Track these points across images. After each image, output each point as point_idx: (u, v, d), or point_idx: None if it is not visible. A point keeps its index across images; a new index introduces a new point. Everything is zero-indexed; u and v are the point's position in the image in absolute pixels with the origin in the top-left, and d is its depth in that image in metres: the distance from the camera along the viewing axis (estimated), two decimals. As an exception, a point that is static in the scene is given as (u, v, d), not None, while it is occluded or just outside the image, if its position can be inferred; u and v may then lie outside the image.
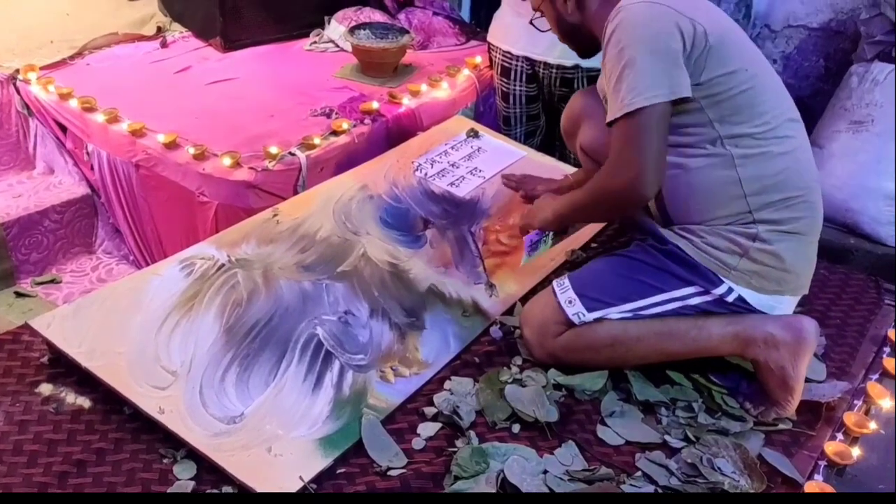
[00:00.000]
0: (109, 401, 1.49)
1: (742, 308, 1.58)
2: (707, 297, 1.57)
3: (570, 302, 1.60)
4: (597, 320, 1.59)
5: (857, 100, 2.68)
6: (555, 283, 1.66)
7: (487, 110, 2.96)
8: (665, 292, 1.58)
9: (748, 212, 1.55)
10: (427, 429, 1.50)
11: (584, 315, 1.59)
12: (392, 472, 1.40)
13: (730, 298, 1.56)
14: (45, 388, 1.52)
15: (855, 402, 1.60)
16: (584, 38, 1.79)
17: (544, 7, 1.78)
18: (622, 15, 1.54)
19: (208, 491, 1.33)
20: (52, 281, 2.58)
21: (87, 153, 2.56)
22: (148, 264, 2.40)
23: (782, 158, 1.55)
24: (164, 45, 3.09)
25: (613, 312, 1.59)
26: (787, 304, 1.62)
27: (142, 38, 3.12)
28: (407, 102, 2.70)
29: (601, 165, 1.75)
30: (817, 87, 3.08)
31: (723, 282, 1.56)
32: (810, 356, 1.57)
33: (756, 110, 1.55)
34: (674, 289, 1.58)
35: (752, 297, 1.57)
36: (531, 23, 1.84)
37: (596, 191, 1.62)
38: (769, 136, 1.55)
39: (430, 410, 1.54)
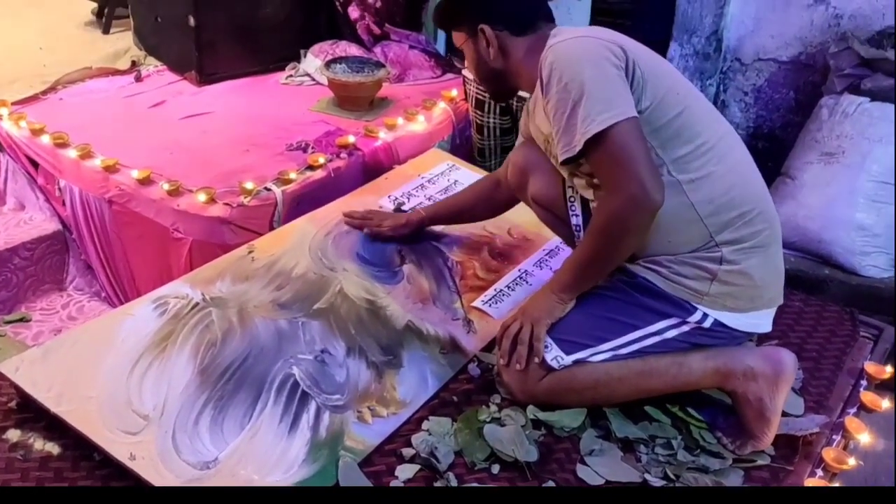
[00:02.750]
0: (79, 447, 1.45)
1: (722, 333, 1.57)
2: (684, 328, 1.56)
3: (546, 347, 1.57)
4: (576, 362, 1.56)
5: (827, 131, 2.71)
6: None
7: (464, 143, 2.97)
8: (640, 328, 1.56)
9: (708, 235, 1.53)
10: (405, 471, 1.47)
11: (562, 359, 1.56)
12: (369, 517, 1.37)
13: (707, 324, 1.55)
14: (13, 434, 1.48)
15: (833, 436, 1.60)
16: (501, 84, 1.78)
17: (465, 48, 1.77)
18: (555, 54, 1.53)
19: (180, 540, 1.30)
20: (22, 319, 2.53)
21: (59, 189, 2.53)
22: (120, 301, 2.37)
23: (728, 176, 1.54)
24: (138, 79, 3.08)
25: (592, 354, 1.57)
26: (765, 318, 1.62)
27: (116, 72, 3.12)
28: (383, 136, 2.70)
29: (555, 215, 1.80)
30: (788, 118, 3.12)
31: (696, 308, 1.55)
32: (788, 388, 1.57)
33: (693, 131, 1.53)
34: (649, 324, 1.56)
35: (730, 319, 1.56)
36: (450, 58, 1.87)
37: (602, 227, 1.53)
38: (710, 155, 1.54)
39: (408, 452, 1.52)
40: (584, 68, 1.48)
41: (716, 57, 3.15)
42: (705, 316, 1.55)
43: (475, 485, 1.44)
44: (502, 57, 1.71)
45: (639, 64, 1.52)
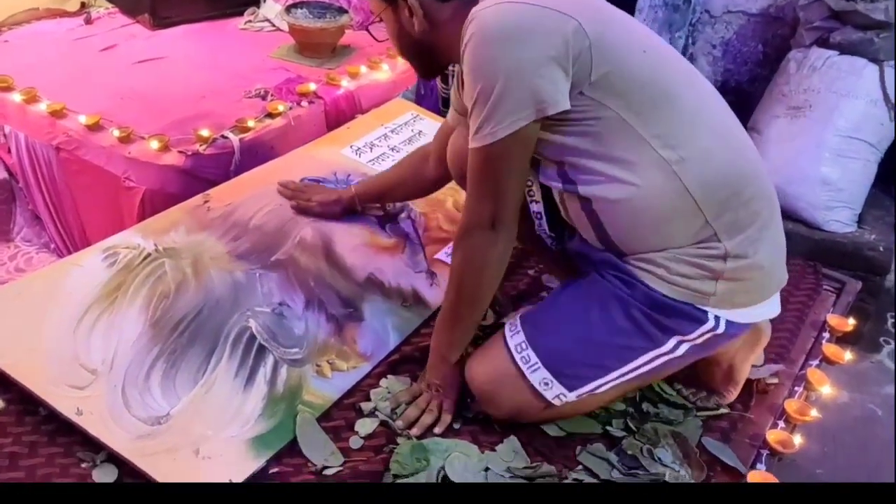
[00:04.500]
0: (24, 401, 1.39)
1: (735, 332, 1.40)
2: (698, 340, 1.37)
3: (546, 384, 1.38)
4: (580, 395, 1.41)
5: (794, 85, 2.69)
6: (518, 359, 1.40)
7: (428, 93, 2.90)
8: (650, 350, 1.38)
9: (704, 221, 1.31)
10: (365, 425, 1.44)
11: (565, 396, 1.39)
12: (328, 472, 1.34)
13: (721, 328, 1.36)
14: (-46, 390, 1.42)
15: (795, 388, 1.60)
16: (429, 59, 1.50)
17: (385, 17, 1.46)
18: (478, 25, 1.26)
19: (131, 497, 1.25)
20: (-33, 271, 2.43)
21: (4, 135, 2.41)
22: (70, 253, 2.27)
23: (720, 149, 1.33)
24: (88, 21, 2.94)
25: (598, 387, 1.40)
26: (775, 303, 1.45)
27: (64, 13, 2.97)
28: (346, 84, 2.62)
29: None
30: (756, 72, 3.10)
31: (706, 313, 1.34)
32: (760, 351, 1.56)
33: (671, 96, 1.31)
34: (660, 344, 1.37)
35: (741, 316, 1.38)
36: (366, 28, 1.55)
37: (456, 265, 1.41)
38: (697, 124, 1.32)
39: (367, 405, 1.49)
40: (503, 54, 1.24)
41: (685, 9, 3.10)
42: (717, 320, 1.35)
43: (438, 439, 1.41)
44: (429, 26, 1.41)
45: (584, 31, 1.25)
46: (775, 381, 1.61)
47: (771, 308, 1.44)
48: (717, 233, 1.32)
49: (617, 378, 1.39)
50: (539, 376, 1.38)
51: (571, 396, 1.39)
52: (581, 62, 1.25)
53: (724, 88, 3.17)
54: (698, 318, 1.35)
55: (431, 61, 1.52)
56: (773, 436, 1.44)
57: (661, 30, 3.09)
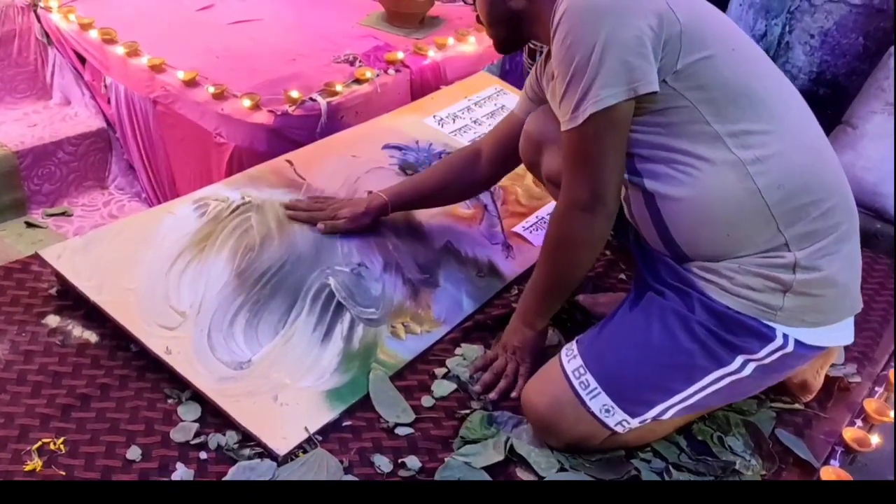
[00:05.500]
0: (116, 337, 1.47)
1: (804, 354, 1.31)
2: (765, 360, 1.28)
3: (607, 410, 1.29)
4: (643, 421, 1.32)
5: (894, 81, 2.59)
6: (577, 385, 1.31)
7: (514, 68, 2.90)
8: (715, 370, 1.29)
9: (776, 229, 1.24)
10: (440, 388, 1.47)
11: (628, 423, 1.30)
12: (399, 431, 1.38)
13: (790, 348, 1.27)
14: (52, 320, 1.50)
15: (876, 388, 1.56)
16: (515, 31, 1.45)
17: None
18: (570, 1, 1.23)
19: (211, 434, 1.31)
20: (64, 213, 2.56)
21: (105, 86, 2.52)
22: (160, 203, 2.36)
23: (801, 154, 1.26)
24: (187, -20, 3.02)
25: (662, 412, 1.31)
26: (848, 328, 1.35)
27: (166, -29, 3.05)
28: (432, 55, 2.64)
29: None
30: (854, 65, 2.98)
31: (774, 330, 1.26)
32: (831, 363, 1.52)
33: (755, 97, 1.26)
34: (724, 364, 1.28)
35: (811, 336, 1.28)
36: None
37: (551, 240, 1.37)
38: (779, 126, 1.26)
39: (440, 371, 1.51)
40: (597, 29, 1.20)
41: (785, -5, 3.00)
42: (786, 338, 1.26)
43: (509, 413, 1.42)
44: None
45: (676, 17, 1.22)
46: (857, 379, 1.57)
47: (844, 333, 1.34)
48: (787, 242, 1.24)
49: (682, 401, 1.30)
50: (599, 402, 1.29)
51: (635, 423, 1.30)
52: (670, 47, 1.22)
53: (819, 80, 3.07)
54: (765, 334, 1.26)
55: (517, 34, 1.46)
56: (850, 433, 1.41)
57: (757, 15, 3.00)
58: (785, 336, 1.26)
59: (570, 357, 1.35)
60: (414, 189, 1.76)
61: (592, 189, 1.28)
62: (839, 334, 1.33)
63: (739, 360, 1.28)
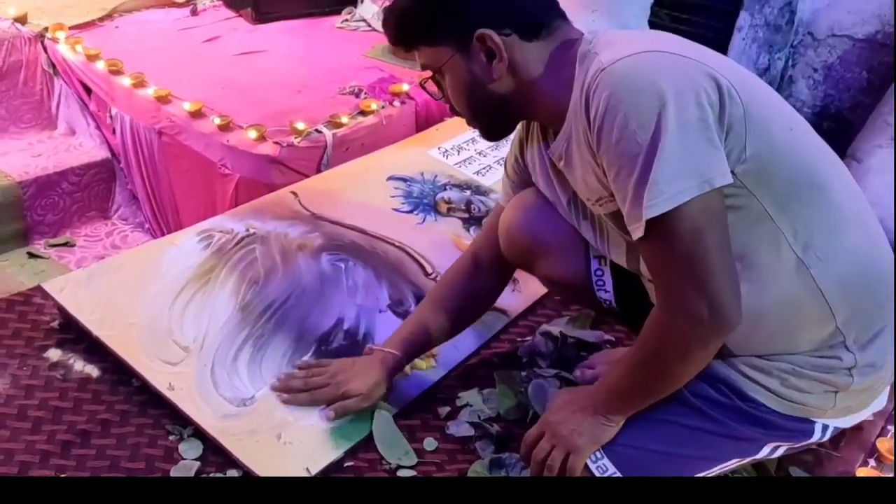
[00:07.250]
0: (118, 371, 1.45)
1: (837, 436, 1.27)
2: (795, 445, 1.23)
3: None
4: None
5: (900, 115, 2.60)
6: (594, 468, 1.19)
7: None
8: (740, 458, 1.21)
9: (836, 328, 1.12)
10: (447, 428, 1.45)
11: None
12: (401, 473, 1.35)
13: (826, 437, 1.22)
14: (54, 354, 1.48)
15: (888, 427, 1.54)
16: (503, 115, 1.24)
17: (450, 68, 1.19)
18: (615, 79, 1.03)
19: (213, 473, 1.29)
20: (66, 244, 2.55)
21: (111, 117, 2.53)
22: (163, 233, 2.36)
23: (860, 243, 1.13)
24: (193, 12, 3.06)
25: None
26: (884, 396, 1.26)
27: (172, 4, 3.10)
28: (438, 87, 2.64)
29: (576, 289, 1.40)
30: (858, 99, 2.99)
31: (814, 423, 1.18)
32: None
33: (815, 184, 1.10)
34: (752, 454, 1.20)
35: (852, 420, 1.23)
36: (421, 86, 1.31)
37: (653, 351, 1.11)
38: (838, 217, 1.11)
39: (443, 410, 1.49)
40: (662, 107, 1.00)
41: (787, 29, 3.02)
42: (825, 429, 1.20)
43: (515, 455, 1.36)
44: (511, 75, 1.17)
45: (736, 93, 1.04)
46: (870, 418, 1.55)
47: (879, 401, 1.25)
48: (845, 339, 1.13)
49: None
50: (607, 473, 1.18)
51: None
52: (735, 134, 1.04)
53: (823, 114, 3.07)
54: (806, 431, 1.18)
55: (507, 118, 1.26)
56: (862, 472, 1.38)
57: (760, 50, 3.02)
58: (825, 427, 1.20)
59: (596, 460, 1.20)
60: (423, 331, 1.46)
61: (710, 301, 1.03)
62: (875, 404, 1.26)
63: (769, 448, 1.20)
